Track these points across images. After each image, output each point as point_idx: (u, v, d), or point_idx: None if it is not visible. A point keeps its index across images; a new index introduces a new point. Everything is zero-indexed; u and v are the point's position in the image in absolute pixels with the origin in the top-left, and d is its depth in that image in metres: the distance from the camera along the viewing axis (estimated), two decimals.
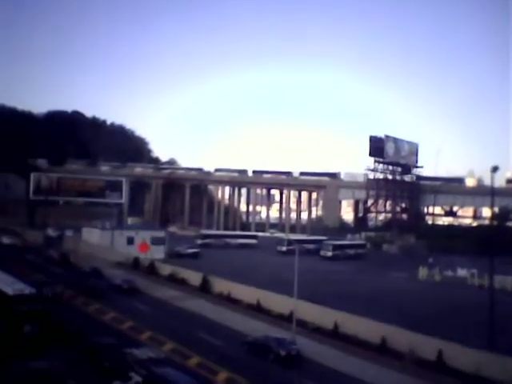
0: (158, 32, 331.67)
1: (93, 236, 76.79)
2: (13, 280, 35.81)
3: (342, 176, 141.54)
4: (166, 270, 57.94)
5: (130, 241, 73.48)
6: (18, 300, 31.42)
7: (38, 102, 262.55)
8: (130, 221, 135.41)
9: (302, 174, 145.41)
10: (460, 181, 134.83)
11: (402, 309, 47.63)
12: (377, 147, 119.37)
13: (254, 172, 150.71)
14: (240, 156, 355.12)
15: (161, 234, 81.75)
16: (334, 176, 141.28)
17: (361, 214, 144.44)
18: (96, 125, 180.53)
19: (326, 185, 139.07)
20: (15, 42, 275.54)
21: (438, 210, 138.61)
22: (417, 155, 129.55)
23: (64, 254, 65.43)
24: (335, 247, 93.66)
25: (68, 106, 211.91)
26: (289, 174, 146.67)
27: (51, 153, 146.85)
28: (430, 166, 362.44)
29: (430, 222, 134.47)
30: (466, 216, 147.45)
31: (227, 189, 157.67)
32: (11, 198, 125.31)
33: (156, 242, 74.89)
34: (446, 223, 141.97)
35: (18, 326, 30.31)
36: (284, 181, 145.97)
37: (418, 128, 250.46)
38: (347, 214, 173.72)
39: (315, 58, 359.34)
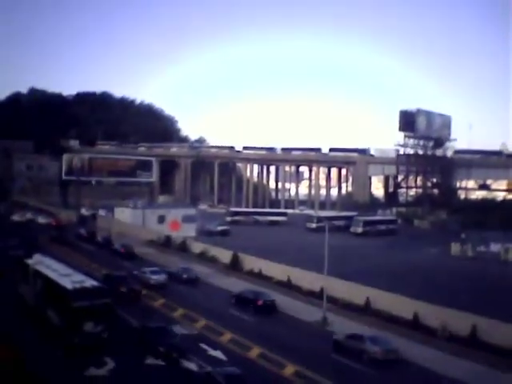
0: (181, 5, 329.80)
1: (125, 215, 77.56)
2: (71, 271, 32.30)
3: (372, 152, 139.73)
4: (197, 247, 58.50)
5: (161, 219, 74.38)
6: (78, 294, 27.84)
7: (68, 83, 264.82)
8: (161, 199, 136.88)
9: (331, 150, 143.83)
10: (499, 154, 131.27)
11: (435, 284, 47.20)
12: (407, 122, 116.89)
13: (282, 149, 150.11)
14: (268, 133, 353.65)
15: (191, 211, 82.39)
16: (363, 152, 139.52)
17: (391, 190, 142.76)
18: (124, 105, 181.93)
19: (355, 161, 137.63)
20: (43, 25, 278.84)
21: (471, 184, 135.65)
22: (450, 128, 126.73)
23: (91, 232, 68.35)
24: (366, 223, 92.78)
25: (96, 87, 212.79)
26: (318, 150, 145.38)
27: (82, 134, 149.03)
28: (463, 139, 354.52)
29: (462, 197, 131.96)
30: (500, 189, 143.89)
31: (256, 166, 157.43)
32: (45, 178, 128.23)
33: (187, 219, 75.68)
34: (479, 197, 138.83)
35: (77, 325, 27.36)
36: (313, 157, 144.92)
37: (448, 102, 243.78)
38: (377, 189, 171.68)
39: (342, 29, 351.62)
